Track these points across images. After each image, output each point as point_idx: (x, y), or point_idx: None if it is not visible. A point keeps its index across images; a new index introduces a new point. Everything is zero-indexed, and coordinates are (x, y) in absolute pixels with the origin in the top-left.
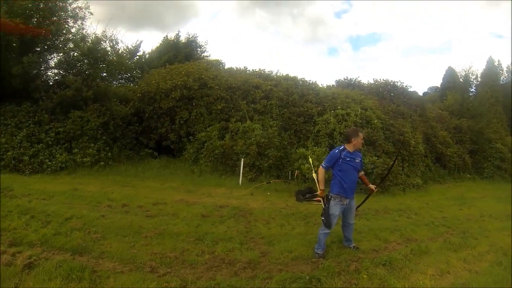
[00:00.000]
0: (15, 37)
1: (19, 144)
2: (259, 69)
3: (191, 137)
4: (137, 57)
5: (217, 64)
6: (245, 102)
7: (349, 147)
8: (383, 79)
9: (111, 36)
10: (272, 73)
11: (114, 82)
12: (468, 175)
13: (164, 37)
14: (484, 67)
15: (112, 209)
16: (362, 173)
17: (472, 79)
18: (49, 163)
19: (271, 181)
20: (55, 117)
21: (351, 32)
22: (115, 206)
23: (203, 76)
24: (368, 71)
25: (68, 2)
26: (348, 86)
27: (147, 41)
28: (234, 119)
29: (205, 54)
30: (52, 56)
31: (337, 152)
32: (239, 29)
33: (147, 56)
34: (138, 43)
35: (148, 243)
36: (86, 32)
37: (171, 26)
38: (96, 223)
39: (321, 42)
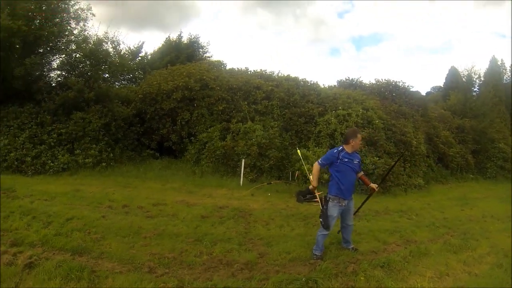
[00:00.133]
0: (17, 39)
1: (21, 145)
2: (260, 69)
3: (192, 138)
4: (139, 58)
5: (219, 64)
6: (246, 103)
7: (348, 148)
8: (384, 79)
9: (112, 37)
10: (273, 73)
11: (116, 83)
12: (470, 175)
13: (166, 38)
14: (487, 66)
15: (112, 209)
16: (361, 173)
17: (475, 79)
18: (51, 164)
19: (272, 182)
20: (57, 118)
21: (353, 32)
22: (116, 207)
23: (205, 77)
24: (370, 71)
25: (70, 4)
26: (350, 87)
27: (150, 41)
28: (235, 120)
29: (207, 54)
30: (55, 57)
31: (335, 152)
32: (241, 29)
33: (149, 57)
34: (140, 44)
35: (147, 243)
36: (88, 33)
37: (173, 26)
38: (97, 224)
39: (323, 42)
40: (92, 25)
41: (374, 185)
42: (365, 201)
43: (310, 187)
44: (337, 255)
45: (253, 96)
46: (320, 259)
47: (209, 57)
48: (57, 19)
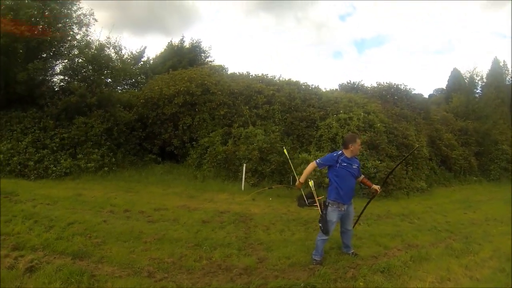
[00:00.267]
0: (20, 44)
1: (24, 150)
2: (262, 74)
3: (194, 142)
4: (142, 62)
5: (220, 69)
6: (247, 107)
7: (347, 153)
8: (386, 82)
9: (115, 42)
10: (274, 77)
11: (118, 88)
12: (474, 178)
13: (168, 43)
14: (489, 67)
15: (114, 214)
16: (362, 177)
17: (477, 80)
18: (54, 168)
19: (273, 187)
20: (60, 123)
21: (355, 35)
22: (117, 212)
23: (206, 82)
24: (372, 73)
25: (73, 9)
26: (351, 90)
27: (152, 45)
28: (237, 125)
29: (209, 59)
30: (57, 62)
31: (335, 156)
32: (243, 32)
33: (151, 61)
34: (142, 48)
35: (147, 248)
36: (90, 38)
37: (176, 30)
38: (98, 228)
39: (326, 45)
40: (94, 30)
41: (376, 186)
42: (367, 203)
43: (297, 183)
44: (337, 260)
45: (254, 100)
46: (320, 264)
47: (211, 61)
48: (60, 24)
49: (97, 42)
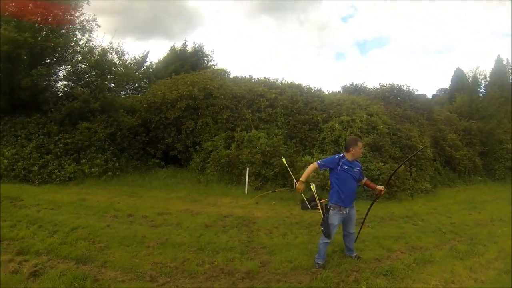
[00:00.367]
0: (24, 50)
1: (29, 155)
2: (264, 77)
3: (197, 146)
4: (145, 67)
5: (222, 73)
6: (250, 111)
7: (348, 156)
8: (389, 84)
9: (117, 48)
10: (277, 81)
11: (121, 93)
12: (479, 178)
13: (171, 47)
14: (493, 66)
15: (117, 219)
16: (365, 180)
17: (480, 80)
18: (58, 173)
19: (276, 190)
20: (63, 128)
21: (357, 36)
22: (121, 216)
23: (208, 86)
24: (375, 74)
25: (76, 15)
26: (354, 92)
27: (155, 50)
28: (240, 128)
29: (212, 63)
30: (61, 68)
31: (336, 158)
32: (245, 35)
33: (154, 66)
34: (145, 53)
35: (150, 252)
36: (93, 44)
37: (178, 34)
38: (101, 233)
39: (328, 47)
40: (97, 36)
41: (380, 187)
42: (371, 205)
43: (297, 184)
44: (340, 263)
45: (257, 104)
46: (322, 267)
47: (213, 65)
48: (63, 31)
49: (100, 48)
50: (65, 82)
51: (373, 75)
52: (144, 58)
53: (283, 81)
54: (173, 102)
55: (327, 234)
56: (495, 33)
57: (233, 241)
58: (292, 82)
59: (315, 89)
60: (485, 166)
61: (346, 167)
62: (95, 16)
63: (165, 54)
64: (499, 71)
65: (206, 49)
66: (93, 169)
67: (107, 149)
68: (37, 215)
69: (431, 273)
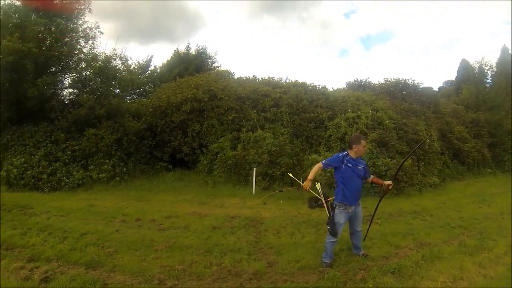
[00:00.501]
0: (29, 61)
1: (37, 163)
2: (268, 77)
3: (204, 148)
4: (149, 71)
5: (226, 74)
6: (255, 111)
7: (351, 154)
8: (394, 78)
9: (121, 54)
10: (281, 80)
11: (127, 98)
12: (488, 170)
13: (174, 50)
14: (498, 56)
15: (126, 223)
16: (372, 177)
17: (486, 70)
18: (67, 180)
19: (283, 189)
20: (70, 135)
21: (361, 32)
22: (129, 221)
23: (213, 88)
24: (381, 69)
25: (79, 23)
26: (359, 88)
27: (159, 53)
28: (245, 129)
29: (216, 64)
30: (66, 76)
31: (340, 156)
32: (248, 35)
33: (159, 70)
34: (149, 58)
35: (158, 256)
36: (97, 51)
37: (182, 37)
38: (110, 238)
39: (332, 44)
40: (100, 43)
41: (388, 182)
42: (379, 201)
43: (304, 183)
44: (347, 262)
45: (261, 104)
46: (330, 266)
47: (217, 66)
48: (67, 39)
49: (104, 54)
50: (71, 90)
51: (378, 71)
52: (148, 63)
53: (287, 80)
54: (178, 105)
55: (333, 233)
56: (504, 21)
57: (241, 242)
58: (296, 80)
59: (320, 86)
60: (494, 158)
61: (350, 165)
62: (97, 23)
63: (169, 58)
64: (505, 61)
65: (210, 51)
66: (101, 175)
67: (114, 155)
68: (47, 222)
69: (440, 269)
